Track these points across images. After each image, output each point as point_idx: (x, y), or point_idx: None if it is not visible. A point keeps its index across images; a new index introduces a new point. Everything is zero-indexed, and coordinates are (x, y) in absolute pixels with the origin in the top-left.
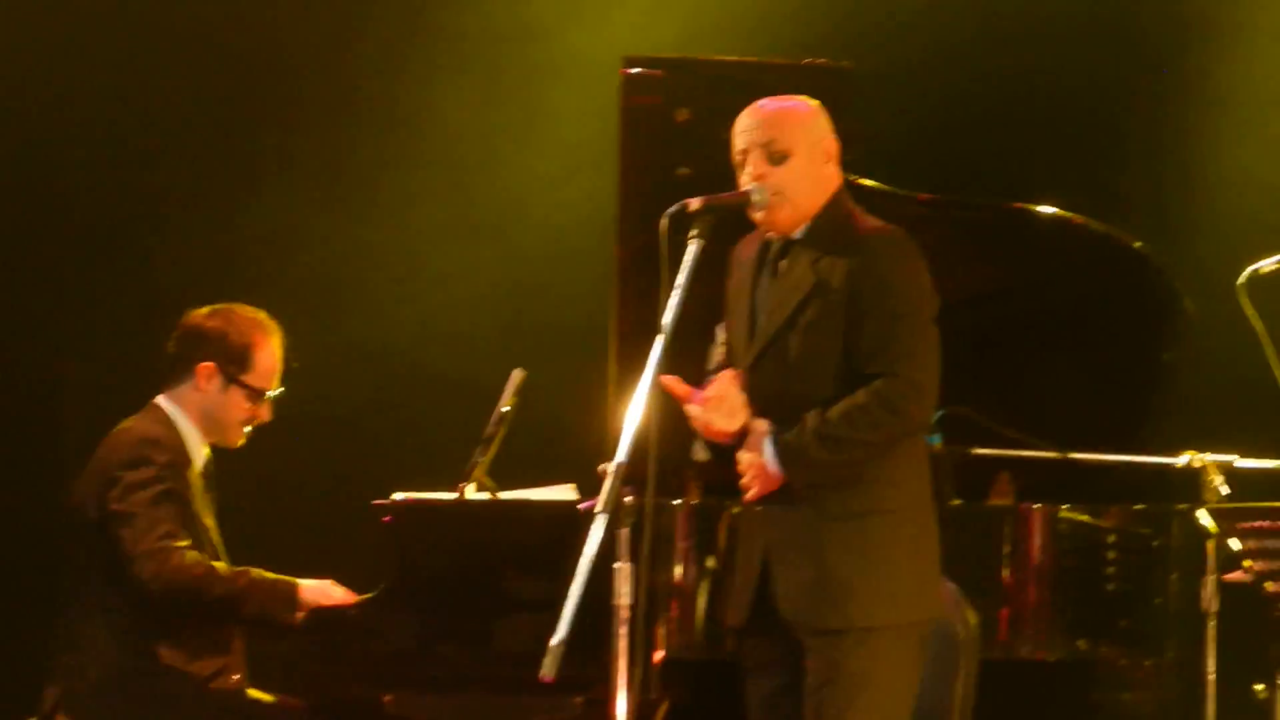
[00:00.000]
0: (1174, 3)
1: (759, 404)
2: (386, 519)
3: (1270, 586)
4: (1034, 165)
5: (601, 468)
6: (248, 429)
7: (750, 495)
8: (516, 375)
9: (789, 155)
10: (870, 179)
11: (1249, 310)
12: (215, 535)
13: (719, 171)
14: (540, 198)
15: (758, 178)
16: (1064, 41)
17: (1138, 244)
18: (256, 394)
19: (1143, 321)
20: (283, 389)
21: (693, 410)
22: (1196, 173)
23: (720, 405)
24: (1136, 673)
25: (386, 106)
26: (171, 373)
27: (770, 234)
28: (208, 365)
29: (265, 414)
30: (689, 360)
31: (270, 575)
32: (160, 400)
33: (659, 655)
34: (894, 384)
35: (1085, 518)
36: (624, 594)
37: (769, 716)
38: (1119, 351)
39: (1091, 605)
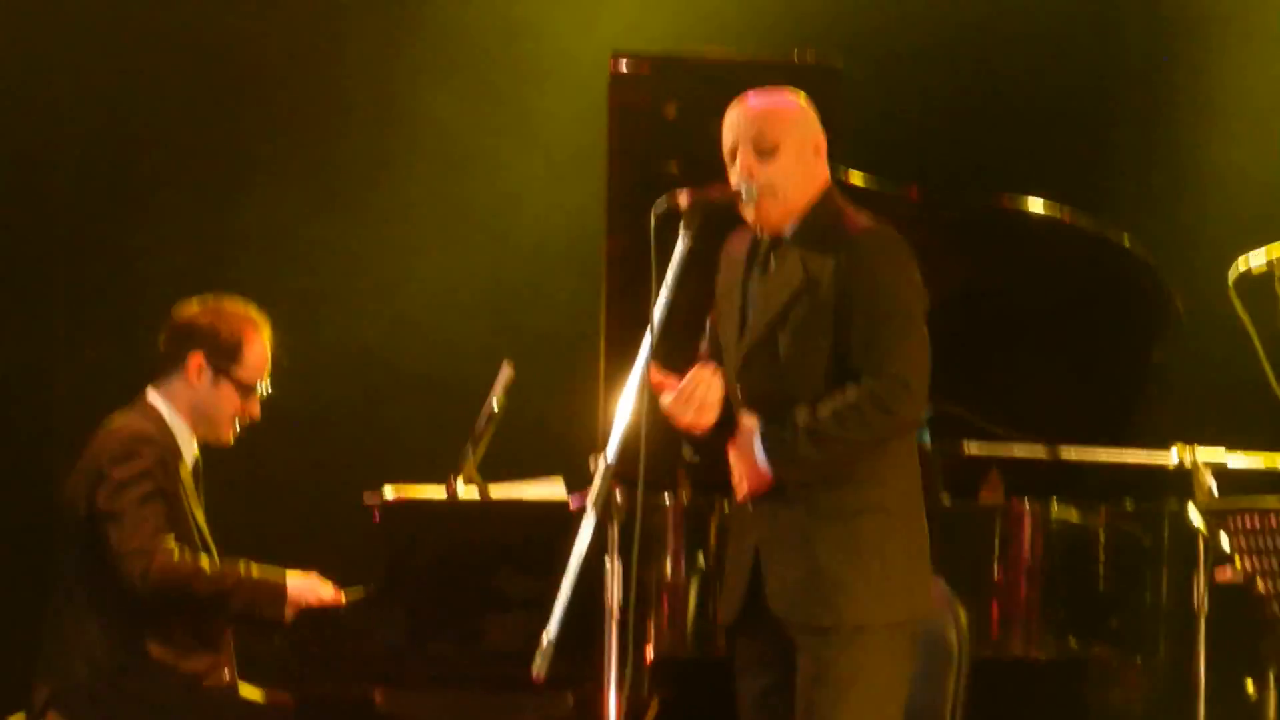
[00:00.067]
0: (1164, 2)
1: (749, 401)
2: (376, 517)
3: (1261, 585)
4: (1024, 164)
5: (593, 457)
6: (238, 426)
7: (741, 493)
8: (506, 368)
9: (777, 150)
10: (860, 175)
11: (1238, 307)
12: (206, 530)
13: (708, 167)
14: (530, 195)
15: (746, 172)
16: (1054, 40)
17: (1128, 241)
18: (246, 388)
19: (1132, 319)
20: (271, 390)
21: (663, 401)
22: (1187, 170)
23: (689, 399)
24: (1128, 671)
25: (375, 105)
26: (161, 366)
27: (760, 230)
28: (197, 357)
29: (255, 411)
30: (680, 356)
31: (258, 572)
32: (150, 393)
33: (650, 654)
34: (885, 383)
35: (1076, 517)
36: (614, 592)
37: (760, 715)
38: (1109, 348)
39: (1082, 604)
